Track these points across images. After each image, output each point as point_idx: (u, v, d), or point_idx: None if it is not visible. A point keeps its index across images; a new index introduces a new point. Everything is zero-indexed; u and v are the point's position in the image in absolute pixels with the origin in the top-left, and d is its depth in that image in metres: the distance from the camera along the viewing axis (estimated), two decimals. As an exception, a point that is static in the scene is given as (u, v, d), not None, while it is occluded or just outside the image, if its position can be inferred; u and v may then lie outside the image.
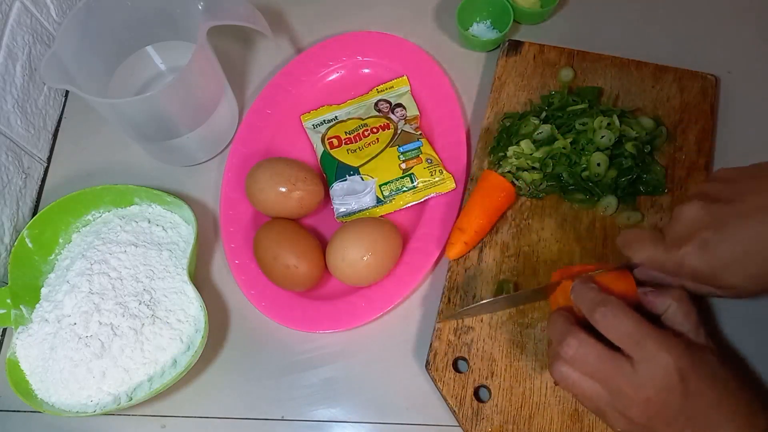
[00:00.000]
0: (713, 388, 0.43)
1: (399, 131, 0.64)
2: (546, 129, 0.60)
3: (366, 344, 0.59)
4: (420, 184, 0.62)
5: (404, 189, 0.62)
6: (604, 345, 0.45)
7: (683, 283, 0.49)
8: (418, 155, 0.62)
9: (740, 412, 0.43)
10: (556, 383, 0.51)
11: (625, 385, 0.43)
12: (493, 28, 0.70)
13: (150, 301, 0.58)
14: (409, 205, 0.62)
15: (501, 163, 0.61)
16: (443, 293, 0.58)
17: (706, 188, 0.48)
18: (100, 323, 0.56)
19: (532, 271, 0.58)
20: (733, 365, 0.46)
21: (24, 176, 0.66)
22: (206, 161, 0.68)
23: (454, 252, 0.58)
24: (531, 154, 0.59)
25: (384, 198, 0.62)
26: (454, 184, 0.61)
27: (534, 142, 0.60)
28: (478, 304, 0.55)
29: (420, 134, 0.64)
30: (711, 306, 0.57)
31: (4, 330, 0.63)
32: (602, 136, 0.58)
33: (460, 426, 0.54)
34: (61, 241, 0.63)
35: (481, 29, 0.70)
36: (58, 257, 0.63)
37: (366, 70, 0.70)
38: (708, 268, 0.45)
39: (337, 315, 0.58)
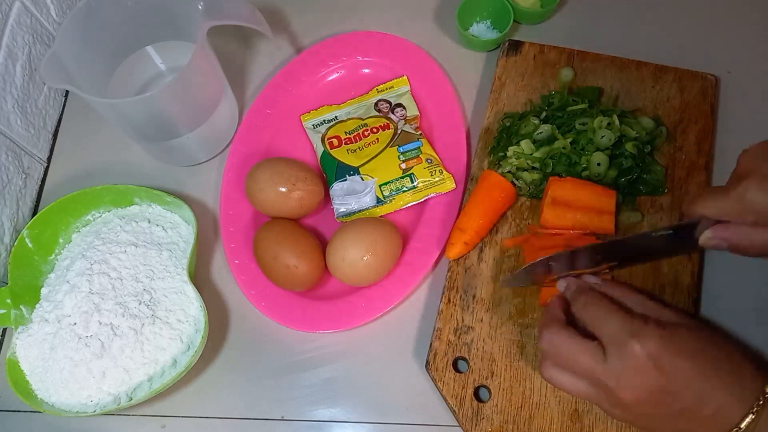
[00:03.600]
0: (692, 362, 0.43)
1: (399, 131, 0.64)
2: (546, 129, 0.60)
3: (366, 344, 0.59)
4: (420, 184, 0.61)
5: (404, 189, 0.62)
6: (582, 337, 0.46)
7: (749, 225, 0.46)
8: (418, 155, 0.62)
9: (727, 380, 0.43)
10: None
11: (603, 375, 0.44)
12: (493, 28, 0.70)
13: (150, 301, 0.58)
14: (409, 205, 0.62)
15: (501, 163, 0.61)
16: (443, 293, 0.58)
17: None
18: (100, 323, 0.56)
19: (532, 271, 0.58)
20: (717, 335, 0.46)
21: (24, 176, 0.66)
22: (206, 161, 0.68)
23: (454, 252, 0.58)
24: (531, 154, 0.59)
25: (384, 198, 0.62)
26: (454, 184, 0.61)
27: (534, 142, 0.60)
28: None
29: (420, 134, 0.64)
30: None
31: (4, 330, 0.63)
32: (602, 136, 0.58)
33: (460, 426, 0.54)
34: (61, 241, 0.63)
35: (481, 29, 0.70)
36: (58, 257, 0.63)
37: (366, 70, 0.70)
38: None
39: (337, 315, 0.58)
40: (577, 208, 0.56)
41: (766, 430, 0.42)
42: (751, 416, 0.42)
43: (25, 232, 0.61)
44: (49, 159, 0.70)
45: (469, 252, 0.59)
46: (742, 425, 0.42)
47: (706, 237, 0.48)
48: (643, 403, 0.44)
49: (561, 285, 0.52)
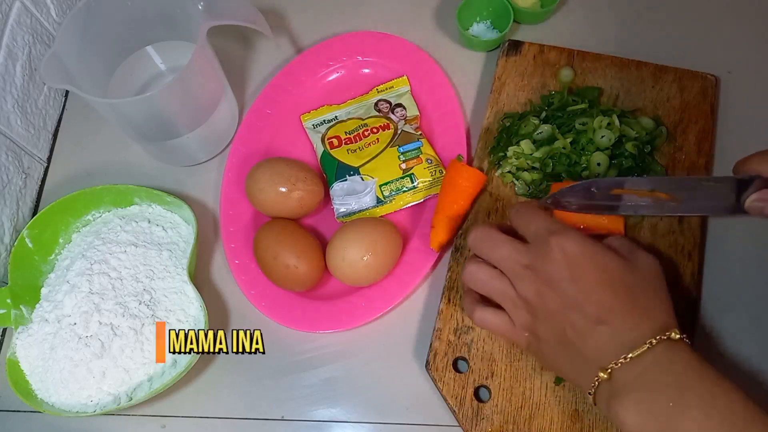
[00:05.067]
0: (608, 279, 0.44)
1: (399, 131, 0.64)
2: (546, 129, 0.60)
3: (366, 344, 0.59)
4: (420, 184, 0.62)
5: (404, 189, 0.62)
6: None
7: None
8: (418, 155, 0.62)
9: (636, 310, 0.44)
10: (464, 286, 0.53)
11: (518, 261, 0.47)
12: (493, 28, 0.70)
13: (150, 301, 0.58)
14: (409, 205, 0.62)
15: (501, 163, 0.61)
16: (443, 293, 0.58)
17: None
18: (100, 323, 0.56)
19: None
20: (655, 280, 0.47)
21: (24, 176, 0.66)
22: (206, 161, 0.68)
23: (436, 243, 0.58)
24: (531, 154, 0.59)
25: (384, 198, 0.62)
26: (454, 184, 0.61)
27: (534, 142, 0.60)
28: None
29: (420, 134, 0.64)
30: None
31: (4, 330, 0.63)
32: (602, 136, 0.58)
33: (460, 426, 0.54)
34: (61, 241, 0.63)
35: (481, 29, 0.70)
36: (58, 257, 0.63)
37: (366, 70, 0.70)
38: None
39: (337, 315, 0.58)
40: None
41: (650, 369, 0.42)
42: (645, 347, 0.42)
43: (25, 232, 0.61)
44: (49, 159, 0.70)
45: (469, 251, 0.59)
46: (631, 355, 0.42)
47: (752, 199, 0.48)
48: (549, 303, 0.45)
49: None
